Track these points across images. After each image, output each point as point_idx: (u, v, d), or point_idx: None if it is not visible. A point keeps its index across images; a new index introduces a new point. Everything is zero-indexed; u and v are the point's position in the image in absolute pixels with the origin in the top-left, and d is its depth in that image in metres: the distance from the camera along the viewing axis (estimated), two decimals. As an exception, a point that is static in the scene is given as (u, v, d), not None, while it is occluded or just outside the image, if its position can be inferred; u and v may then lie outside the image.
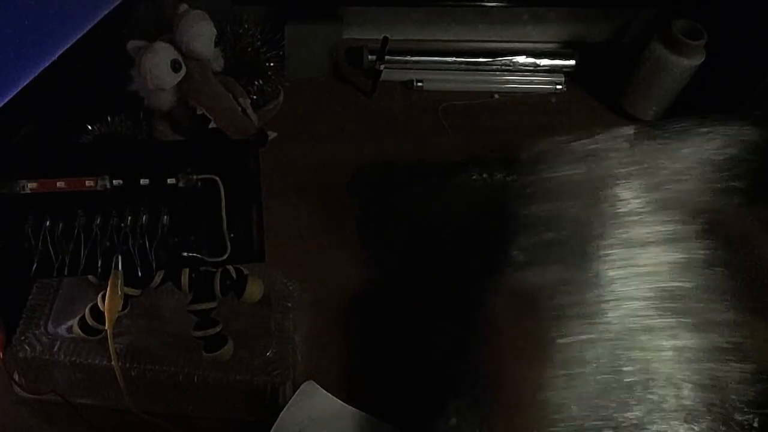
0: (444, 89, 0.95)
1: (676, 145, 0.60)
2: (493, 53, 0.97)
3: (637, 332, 0.53)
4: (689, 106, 0.91)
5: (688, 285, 0.55)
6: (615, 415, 0.51)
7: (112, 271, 0.53)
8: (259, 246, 0.57)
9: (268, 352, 0.62)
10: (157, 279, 0.58)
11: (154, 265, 0.54)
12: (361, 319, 0.72)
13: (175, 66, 0.68)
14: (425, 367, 0.66)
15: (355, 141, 0.88)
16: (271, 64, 0.84)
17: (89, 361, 0.59)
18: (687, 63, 0.87)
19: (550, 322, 0.53)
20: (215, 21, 0.72)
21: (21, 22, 0.58)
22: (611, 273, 0.55)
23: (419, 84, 0.95)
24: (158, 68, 0.67)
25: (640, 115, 0.94)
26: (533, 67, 0.98)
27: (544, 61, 0.98)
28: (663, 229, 0.56)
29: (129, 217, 0.54)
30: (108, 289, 0.53)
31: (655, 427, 0.51)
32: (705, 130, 0.59)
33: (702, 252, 0.56)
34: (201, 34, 0.70)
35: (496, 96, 0.96)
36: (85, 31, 0.64)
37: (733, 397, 0.54)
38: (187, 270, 0.58)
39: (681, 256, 0.55)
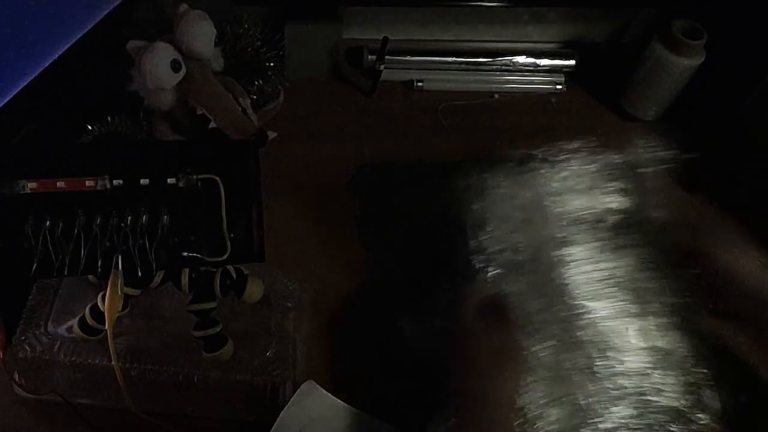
0: (444, 89, 0.95)
1: None
2: (493, 53, 0.97)
3: (607, 333, 0.54)
4: (689, 106, 0.91)
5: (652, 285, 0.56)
6: (592, 417, 0.51)
7: (112, 271, 0.53)
8: (259, 246, 0.57)
9: (268, 352, 0.62)
10: (157, 279, 0.58)
11: (154, 265, 0.54)
12: (361, 319, 0.72)
13: (175, 66, 0.68)
14: (425, 367, 0.66)
15: (355, 141, 0.88)
16: (271, 64, 0.84)
17: (89, 361, 0.59)
18: (687, 63, 0.87)
19: (521, 329, 0.54)
20: (215, 21, 0.72)
21: (21, 22, 0.58)
22: (576, 277, 0.56)
23: (419, 84, 0.95)
24: (158, 68, 0.67)
25: (640, 115, 0.94)
26: (533, 67, 0.98)
27: (544, 61, 0.98)
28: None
29: (129, 217, 0.54)
30: (108, 289, 0.54)
31: (635, 426, 0.51)
32: None
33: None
34: (201, 34, 0.70)
35: (496, 96, 0.96)
36: (85, 31, 0.64)
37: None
38: (187, 270, 0.58)
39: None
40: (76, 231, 0.53)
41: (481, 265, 0.59)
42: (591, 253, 0.58)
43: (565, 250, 0.58)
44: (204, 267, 0.58)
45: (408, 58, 0.95)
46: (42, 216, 0.52)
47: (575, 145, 0.65)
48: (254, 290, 0.61)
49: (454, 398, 0.55)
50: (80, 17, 0.64)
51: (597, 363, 0.53)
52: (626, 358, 0.54)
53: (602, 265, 0.57)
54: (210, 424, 0.64)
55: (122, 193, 0.54)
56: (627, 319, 0.55)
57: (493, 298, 0.57)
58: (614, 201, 0.61)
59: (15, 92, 0.60)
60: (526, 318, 0.55)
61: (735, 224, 0.78)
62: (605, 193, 0.62)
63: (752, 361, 0.59)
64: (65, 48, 0.63)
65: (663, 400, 0.52)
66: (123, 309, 0.56)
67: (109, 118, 0.75)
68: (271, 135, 0.76)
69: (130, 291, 0.56)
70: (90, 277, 0.60)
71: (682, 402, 0.53)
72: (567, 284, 0.56)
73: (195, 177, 0.55)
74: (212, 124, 0.72)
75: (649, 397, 0.52)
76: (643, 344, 0.55)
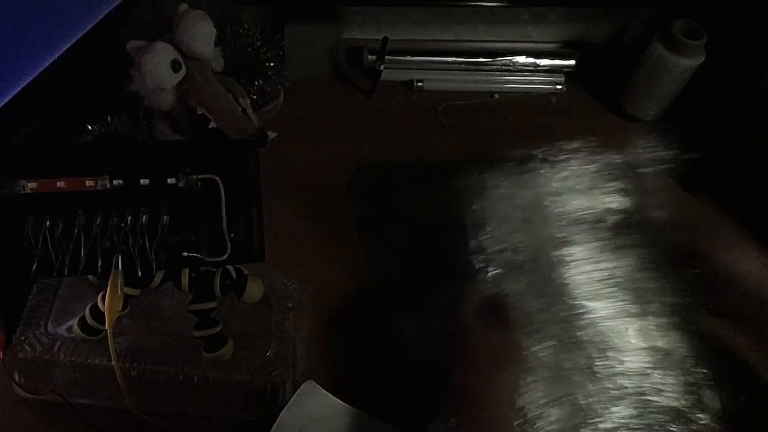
0: (444, 89, 0.95)
1: None
2: (493, 53, 0.97)
3: (607, 333, 0.54)
4: (689, 106, 0.91)
5: (652, 285, 0.56)
6: (592, 417, 0.51)
7: (112, 271, 0.53)
8: (259, 246, 0.57)
9: (268, 352, 0.62)
10: (157, 279, 0.58)
11: (154, 265, 0.54)
12: (361, 319, 0.72)
13: (175, 66, 0.68)
14: (425, 367, 0.66)
15: (355, 141, 0.88)
16: (271, 64, 0.84)
17: (89, 361, 0.59)
18: (687, 63, 0.86)
19: (521, 329, 0.54)
20: (215, 21, 0.72)
21: (21, 22, 0.58)
22: (576, 277, 0.56)
23: (419, 84, 0.95)
24: (158, 68, 0.67)
25: (640, 115, 0.94)
26: (533, 67, 0.98)
27: (544, 61, 0.98)
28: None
29: (129, 217, 0.54)
30: (108, 289, 0.53)
31: (635, 426, 0.51)
32: None
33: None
34: (201, 34, 0.70)
35: (496, 96, 0.96)
36: (85, 31, 0.64)
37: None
38: (187, 270, 0.58)
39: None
40: (76, 231, 0.53)
41: (481, 265, 0.59)
42: (591, 253, 0.58)
43: (565, 250, 0.58)
44: (204, 267, 0.58)
45: (408, 58, 0.95)
46: (42, 216, 0.52)
47: (575, 145, 0.65)
48: (254, 290, 0.61)
49: (454, 398, 0.55)
50: (80, 17, 0.64)
51: (597, 363, 0.53)
52: (626, 358, 0.54)
53: (602, 265, 0.57)
54: (210, 424, 0.64)
55: (122, 193, 0.54)
56: (627, 319, 0.55)
57: (493, 298, 0.57)
58: (614, 201, 0.61)
59: (15, 92, 0.60)
60: (526, 318, 0.55)
61: (735, 224, 0.79)
62: (605, 193, 0.62)
63: (752, 361, 0.59)
64: (65, 48, 0.63)
65: (663, 400, 0.52)
66: (123, 309, 0.56)
67: (109, 118, 0.75)
68: (271, 135, 0.76)
69: (130, 291, 0.56)
70: (90, 277, 0.60)
71: (682, 402, 0.53)
72: (567, 284, 0.56)
73: (195, 177, 0.55)
74: (212, 124, 0.72)
75: (649, 397, 0.52)
76: (643, 344, 0.55)
